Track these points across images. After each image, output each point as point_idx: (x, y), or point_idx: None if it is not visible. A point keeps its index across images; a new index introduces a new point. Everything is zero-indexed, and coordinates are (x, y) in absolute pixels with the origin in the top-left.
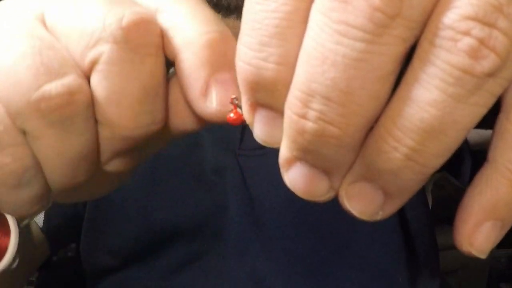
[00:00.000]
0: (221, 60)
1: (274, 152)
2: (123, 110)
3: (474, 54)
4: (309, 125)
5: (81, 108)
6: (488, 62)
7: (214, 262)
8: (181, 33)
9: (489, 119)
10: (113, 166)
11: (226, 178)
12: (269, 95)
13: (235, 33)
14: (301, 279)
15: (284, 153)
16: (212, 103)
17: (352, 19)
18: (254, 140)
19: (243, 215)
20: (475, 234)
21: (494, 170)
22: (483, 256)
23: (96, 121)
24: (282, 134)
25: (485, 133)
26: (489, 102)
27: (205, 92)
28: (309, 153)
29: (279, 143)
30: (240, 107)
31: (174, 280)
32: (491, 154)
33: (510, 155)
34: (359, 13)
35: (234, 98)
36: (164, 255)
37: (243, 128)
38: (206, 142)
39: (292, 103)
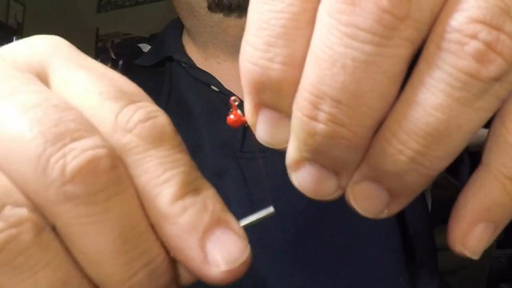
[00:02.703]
0: (204, 218)
1: (275, 155)
2: (108, 268)
3: (481, 58)
4: (320, 126)
5: (28, 237)
6: (495, 66)
7: None
8: (152, 203)
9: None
10: None
11: (227, 181)
12: (274, 96)
13: (236, 31)
14: (301, 281)
15: (292, 154)
16: (219, 266)
17: (361, 21)
18: (255, 143)
19: (243, 216)
20: (468, 235)
21: (488, 173)
22: (475, 257)
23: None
24: (286, 135)
25: (483, 135)
26: (495, 106)
27: (205, 258)
28: (319, 154)
29: (283, 144)
30: (240, 108)
31: None
32: (485, 157)
33: (504, 158)
34: (368, 16)
35: (234, 99)
36: None
37: (244, 131)
38: (207, 145)
39: (301, 105)
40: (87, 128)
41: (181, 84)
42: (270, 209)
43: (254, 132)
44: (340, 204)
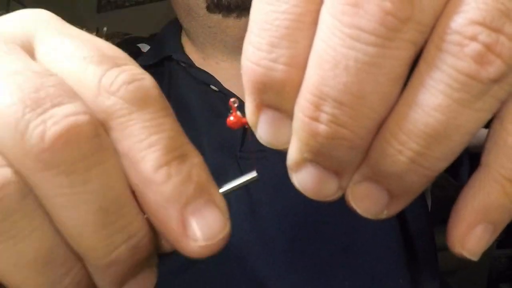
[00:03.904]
0: (188, 187)
1: (275, 156)
2: (89, 241)
3: (480, 59)
4: (322, 127)
5: (13, 201)
6: (494, 68)
7: (214, 266)
8: (136, 169)
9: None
10: None
11: (226, 181)
12: (276, 96)
13: (234, 31)
14: (301, 282)
15: (293, 155)
16: (197, 240)
17: (364, 23)
18: (255, 143)
19: (243, 218)
20: (468, 237)
21: (487, 175)
22: (474, 258)
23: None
24: (287, 135)
25: (483, 136)
26: (494, 107)
27: (184, 230)
28: (321, 155)
29: (284, 144)
30: (240, 110)
31: (174, 283)
32: (484, 159)
33: (503, 160)
34: (371, 17)
35: (233, 100)
36: (164, 258)
37: (244, 131)
38: (206, 145)
39: (303, 106)
40: (69, 94)
41: (180, 84)
42: (253, 174)
43: (255, 132)
44: (340, 204)
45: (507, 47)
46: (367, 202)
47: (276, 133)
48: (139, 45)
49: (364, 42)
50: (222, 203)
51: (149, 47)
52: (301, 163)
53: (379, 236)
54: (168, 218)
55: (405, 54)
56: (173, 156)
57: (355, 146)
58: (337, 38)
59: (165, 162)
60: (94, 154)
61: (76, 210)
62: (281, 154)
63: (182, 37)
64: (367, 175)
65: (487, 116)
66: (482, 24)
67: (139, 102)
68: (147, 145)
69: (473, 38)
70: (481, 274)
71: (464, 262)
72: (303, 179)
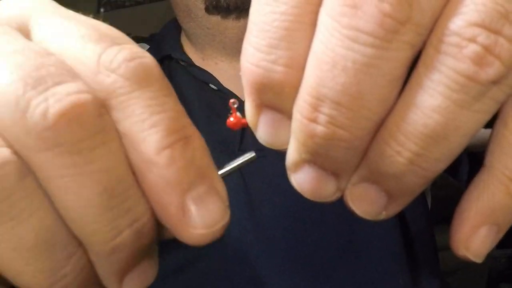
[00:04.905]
0: (191, 172)
1: (274, 154)
2: (93, 225)
3: (479, 61)
4: (320, 128)
5: (12, 181)
6: (493, 69)
7: (214, 265)
8: (137, 149)
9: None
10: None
11: (225, 181)
12: (276, 97)
13: (233, 33)
14: (301, 282)
15: (292, 155)
16: (196, 227)
17: (362, 24)
18: (254, 142)
19: (243, 217)
20: (472, 238)
21: (491, 176)
22: (478, 260)
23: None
24: (287, 135)
25: (482, 136)
26: (493, 108)
27: (184, 217)
28: (319, 156)
29: (284, 145)
30: (240, 111)
31: (173, 282)
32: (488, 160)
33: (507, 161)
34: (370, 19)
35: (233, 101)
36: (163, 257)
37: (243, 130)
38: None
39: (302, 107)
40: (70, 73)
41: (180, 82)
42: (252, 154)
43: (255, 133)
44: (340, 205)
45: (506, 49)
46: (365, 203)
47: (276, 133)
48: (139, 45)
49: (363, 44)
50: (223, 190)
51: (148, 46)
52: (299, 164)
53: (379, 236)
54: (168, 203)
55: (403, 55)
56: (176, 138)
57: (353, 147)
58: (336, 39)
59: (167, 144)
60: (97, 133)
61: (79, 192)
62: (280, 154)
63: (181, 37)
64: (365, 176)
65: (486, 118)
66: (481, 26)
67: (140, 80)
68: (149, 125)
69: (472, 40)
70: (481, 274)
71: (464, 262)
72: (301, 180)
